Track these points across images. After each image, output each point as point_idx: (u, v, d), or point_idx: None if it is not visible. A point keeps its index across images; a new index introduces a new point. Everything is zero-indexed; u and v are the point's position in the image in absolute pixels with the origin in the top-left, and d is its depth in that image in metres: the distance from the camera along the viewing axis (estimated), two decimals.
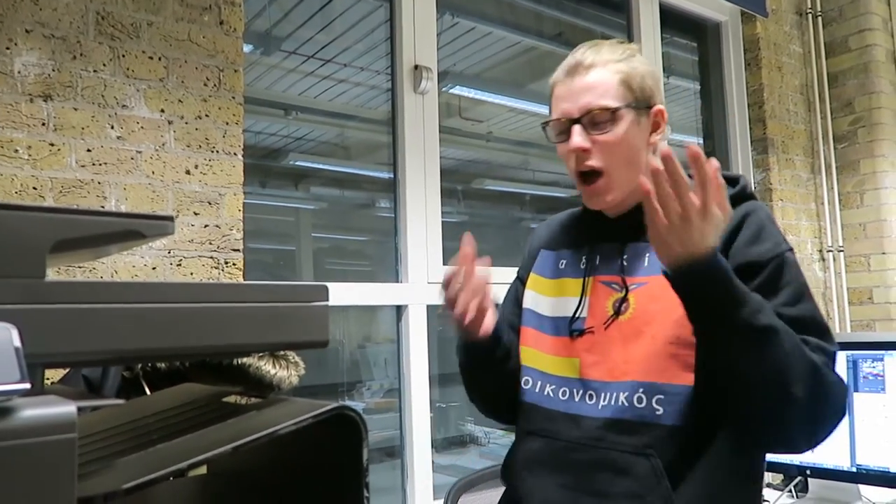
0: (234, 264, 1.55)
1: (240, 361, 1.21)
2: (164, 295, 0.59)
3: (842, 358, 1.92)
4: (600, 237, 1.05)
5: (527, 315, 1.12)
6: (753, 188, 2.99)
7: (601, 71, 0.99)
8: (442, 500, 1.76)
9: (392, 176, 2.10)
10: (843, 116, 3.13)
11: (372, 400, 2.18)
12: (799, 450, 0.92)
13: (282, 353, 1.25)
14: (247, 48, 1.92)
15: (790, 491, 2.17)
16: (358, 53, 2.14)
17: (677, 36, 3.08)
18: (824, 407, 0.87)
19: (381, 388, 2.17)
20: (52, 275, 0.57)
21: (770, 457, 2.00)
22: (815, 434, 0.89)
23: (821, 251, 3.08)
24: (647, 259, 0.99)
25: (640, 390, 0.92)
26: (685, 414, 0.91)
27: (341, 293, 1.89)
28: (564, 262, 1.10)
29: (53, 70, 1.39)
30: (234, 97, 1.60)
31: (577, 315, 1.03)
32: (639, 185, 0.98)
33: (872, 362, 1.87)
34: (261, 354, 1.22)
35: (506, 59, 2.59)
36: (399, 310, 2.03)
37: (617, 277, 1.00)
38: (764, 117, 2.96)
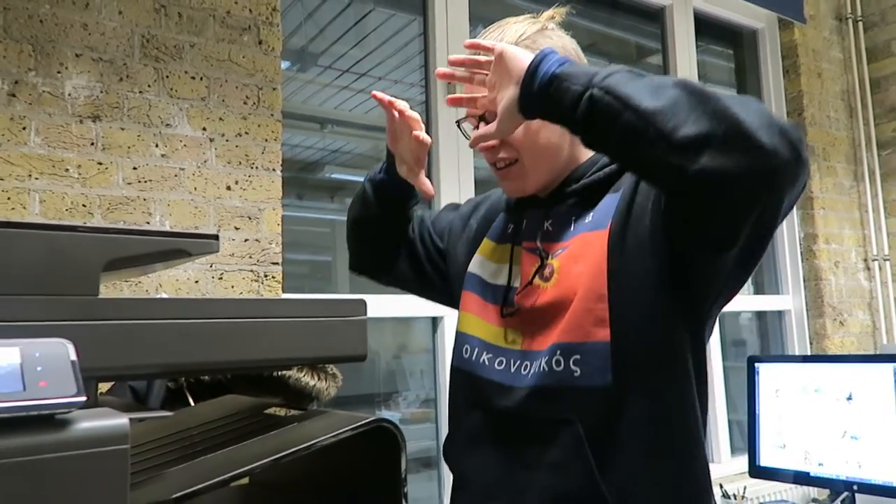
0: (273, 277, 1.58)
1: (280, 373, 1.23)
2: (210, 311, 0.61)
3: (888, 370, 1.87)
4: (531, 204, 0.99)
5: (471, 280, 1.03)
6: None
7: None
8: None
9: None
10: (886, 122, 3.05)
11: (408, 410, 2.19)
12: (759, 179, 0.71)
13: (321, 365, 1.27)
14: (284, 64, 1.97)
15: None
16: (392, 67, 2.17)
17: (713, 44, 3.05)
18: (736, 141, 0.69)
19: (416, 399, 2.18)
20: (102, 291, 0.59)
21: (816, 471, 1.96)
22: (737, 171, 0.70)
23: (866, 260, 3.01)
24: (571, 223, 0.93)
25: (558, 352, 0.86)
26: (602, 372, 0.84)
27: (378, 305, 1.91)
28: (497, 226, 1.05)
29: (101, 92, 1.44)
30: (272, 114, 1.64)
31: (510, 284, 0.97)
32: (565, 165, 0.95)
33: None
34: (300, 367, 1.25)
35: None
36: (434, 321, 2.04)
37: (543, 244, 0.94)
38: (804, 125, 2.91)
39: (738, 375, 2.64)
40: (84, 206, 1.40)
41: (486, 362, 0.96)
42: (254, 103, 1.62)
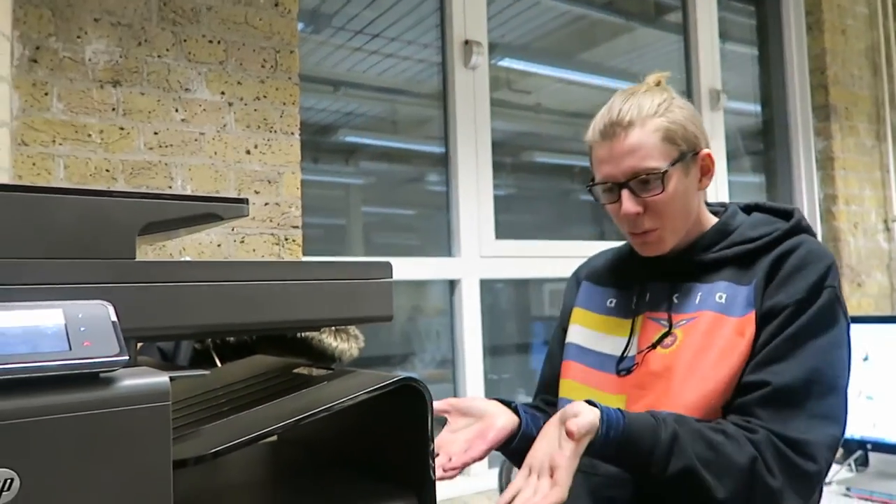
0: (293, 241, 1.60)
1: (303, 335, 1.26)
2: (242, 273, 0.63)
3: None
4: (651, 276, 1.04)
5: (570, 350, 1.09)
6: (815, 157, 2.90)
7: (640, 131, 0.95)
8: (497, 469, 1.80)
9: (444, 151, 2.11)
10: None
11: (425, 371, 2.22)
12: None
13: (343, 326, 1.29)
14: (298, 26, 1.95)
15: (850, 464, 2.14)
16: (407, 28, 2.14)
17: (735, 0, 2.98)
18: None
19: (433, 360, 2.21)
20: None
21: None
22: None
23: (885, 221, 2.98)
24: (697, 297, 0.98)
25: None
26: None
27: (396, 268, 1.93)
28: (614, 301, 1.08)
29: (121, 57, 1.45)
30: (290, 77, 1.64)
31: (625, 354, 1.01)
32: (693, 227, 1.01)
33: None
34: (322, 329, 1.27)
35: (554, 28, 2.56)
36: (452, 284, 2.06)
37: (664, 314, 0.99)
38: (826, 83, 2.85)
39: None
40: (107, 171, 1.42)
41: None
42: (271, 66, 1.62)
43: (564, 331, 1.14)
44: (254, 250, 1.55)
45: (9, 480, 0.46)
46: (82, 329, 0.52)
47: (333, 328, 1.28)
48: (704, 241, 1.01)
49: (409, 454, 0.69)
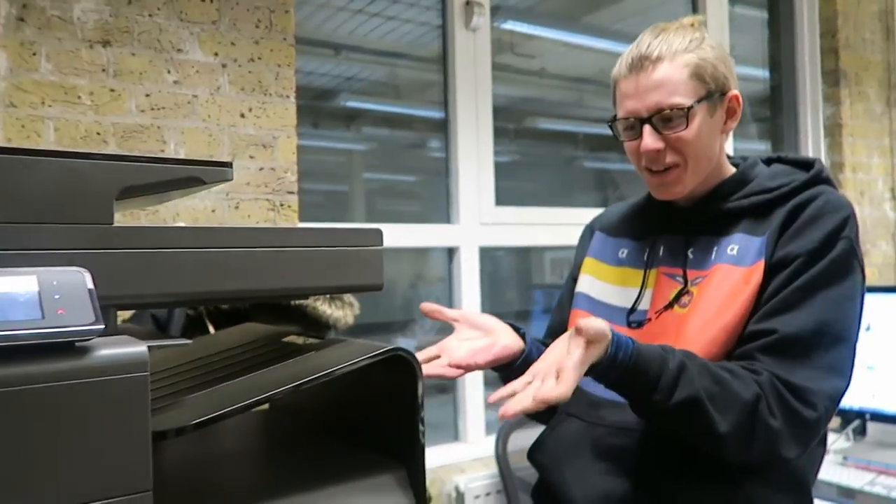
0: (289, 206, 1.58)
1: (298, 302, 1.24)
2: (226, 239, 0.61)
3: None
4: (665, 228, 1.02)
5: (580, 299, 1.08)
6: (823, 123, 2.85)
7: (669, 65, 0.92)
8: (494, 436, 1.81)
9: (444, 116, 2.07)
10: None
11: (425, 338, 2.22)
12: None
13: (338, 294, 1.27)
14: None
15: (848, 434, 2.14)
16: None
17: None
18: (752, 445, 0.84)
19: (433, 327, 2.21)
20: (118, 220, 0.59)
21: None
22: (747, 459, 0.87)
23: (892, 189, 2.93)
24: (713, 252, 0.96)
25: None
26: None
27: (394, 235, 1.91)
28: (626, 251, 1.06)
29: (110, 16, 1.41)
30: (285, 38, 1.60)
31: (636, 307, 1.00)
32: (712, 173, 0.98)
33: None
34: (317, 297, 1.26)
35: None
36: (451, 251, 2.04)
37: (679, 270, 0.98)
38: (837, 47, 2.79)
39: None
40: (98, 133, 1.39)
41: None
42: (266, 27, 1.58)
43: (575, 279, 1.13)
44: (249, 216, 1.53)
45: None
46: (57, 296, 0.50)
47: (327, 296, 1.26)
48: (722, 190, 0.99)
49: (399, 424, 0.68)
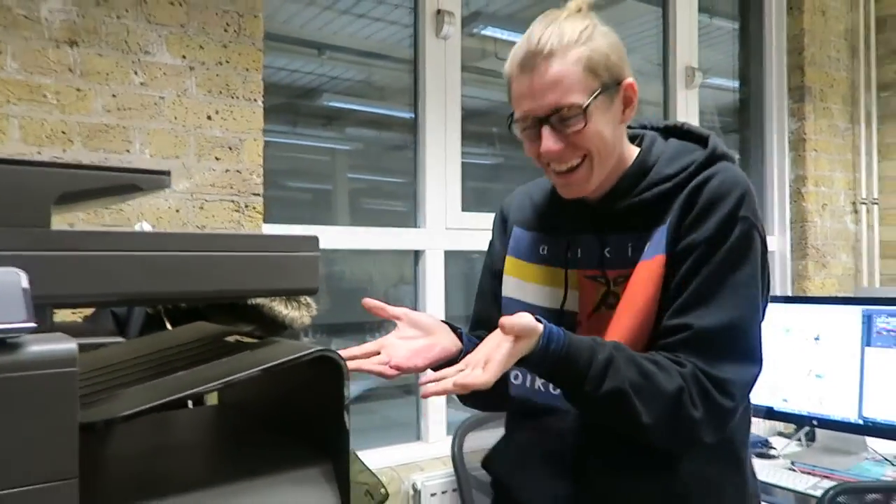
0: (254, 208, 1.61)
1: (254, 302, 1.27)
2: (161, 243, 0.64)
3: (857, 312, 1.91)
4: (579, 227, 1.02)
5: (509, 304, 1.07)
6: (787, 138, 2.92)
7: (561, 61, 0.91)
8: (452, 436, 1.85)
9: (413, 118, 2.11)
10: (889, 64, 3.00)
11: None
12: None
13: (273, 296, 1.31)
14: None
15: (799, 439, 2.21)
16: None
17: None
18: (674, 434, 0.89)
19: None
20: (80, 220, 0.62)
21: (780, 406, 2.04)
22: (669, 446, 0.92)
23: (854, 203, 3.02)
24: (629, 249, 0.97)
25: None
26: None
27: (360, 238, 1.95)
28: (546, 247, 1.06)
29: (78, 16, 1.43)
30: (253, 43, 1.63)
31: (563, 308, 1.01)
32: (615, 165, 0.98)
33: (887, 318, 1.86)
34: (272, 297, 1.29)
35: (534, 1, 2.54)
36: (416, 254, 2.08)
37: (598, 271, 0.99)
38: (803, 64, 2.86)
39: None
40: (63, 132, 1.42)
41: (541, 387, 1.02)
42: (234, 31, 1.61)
43: (496, 276, 1.12)
44: (213, 216, 1.56)
45: None
46: None
47: (284, 297, 1.30)
48: (626, 183, 0.98)
49: (327, 420, 0.71)
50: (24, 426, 0.51)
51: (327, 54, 2.10)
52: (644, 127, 1.07)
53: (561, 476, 0.99)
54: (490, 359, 0.81)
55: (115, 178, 0.64)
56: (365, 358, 0.92)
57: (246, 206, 1.60)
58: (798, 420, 2.08)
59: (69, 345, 0.54)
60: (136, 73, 1.49)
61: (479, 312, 1.16)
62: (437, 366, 0.99)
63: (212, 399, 1.19)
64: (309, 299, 1.35)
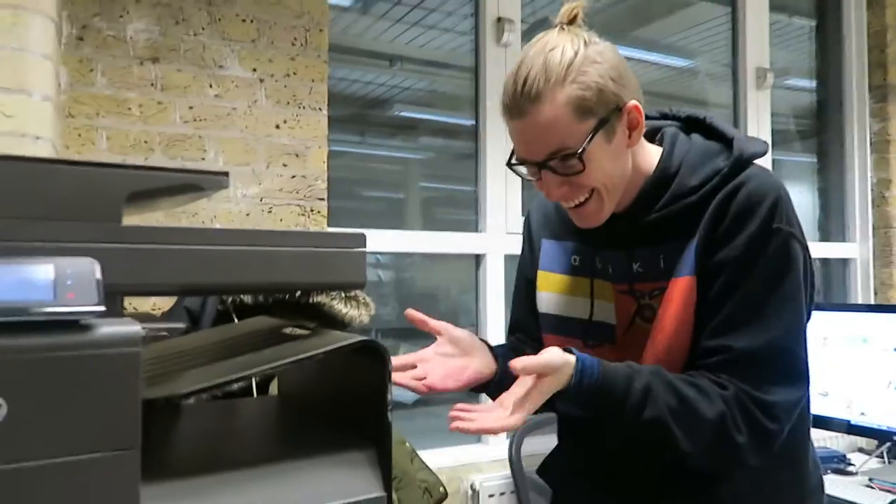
0: (318, 212, 1.68)
1: (315, 300, 1.34)
2: (219, 239, 0.70)
3: None
4: (604, 243, 0.98)
5: (547, 322, 1.05)
6: (869, 139, 2.79)
7: (550, 106, 0.84)
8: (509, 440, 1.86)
9: (474, 125, 2.15)
10: None
11: None
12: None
13: (353, 294, 1.37)
14: (348, 1, 2.02)
15: (881, 455, 2.10)
16: (458, 4, 2.17)
17: None
18: (718, 461, 0.87)
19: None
20: (157, 221, 0.69)
21: (857, 420, 1.95)
22: (710, 470, 0.90)
23: None
24: (661, 261, 0.93)
25: None
26: None
27: (423, 241, 1.99)
28: (578, 258, 1.02)
29: (160, 35, 1.55)
30: (319, 55, 1.71)
31: (592, 318, 0.99)
32: (634, 176, 0.93)
33: None
34: (333, 295, 1.35)
35: (607, 5, 2.54)
36: (477, 259, 2.11)
37: (627, 286, 0.96)
38: (885, 61, 2.73)
39: None
40: (145, 142, 1.53)
41: None
42: (301, 44, 1.69)
43: (528, 282, 1.10)
44: (281, 220, 1.64)
45: None
46: (69, 282, 0.60)
47: (343, 295, 1.36)
48: (647, 196, 0.94)
49: (372, 410, 0.75)
50: (92, 399, 0.57)
51: (398, 65, 2.16)
52: (665, 116, 1.02)
53: (608, 490, 1.00)
54: (520, 401, 0.83)
55: (179, 178, 0.70)
56: (402, 370, 0.93)
57: (311, 210, 1.67)
58: (880, 435, 1.98)
59: (134, 327, 0.60)
60: (210, 86, 1.59)
61: (516, 316, 1.16)
62: (472, 388, 1.00)
63: (274, 390, 1.26)
64: (368, 299, 1.40)
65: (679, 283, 0.91)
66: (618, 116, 0.88)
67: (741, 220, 0.88)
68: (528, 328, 1.11)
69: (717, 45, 2.74)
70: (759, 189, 0.88)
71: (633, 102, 0.88)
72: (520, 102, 0.86)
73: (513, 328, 1.17)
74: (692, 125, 0.99)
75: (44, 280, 0.60)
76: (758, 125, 2.63)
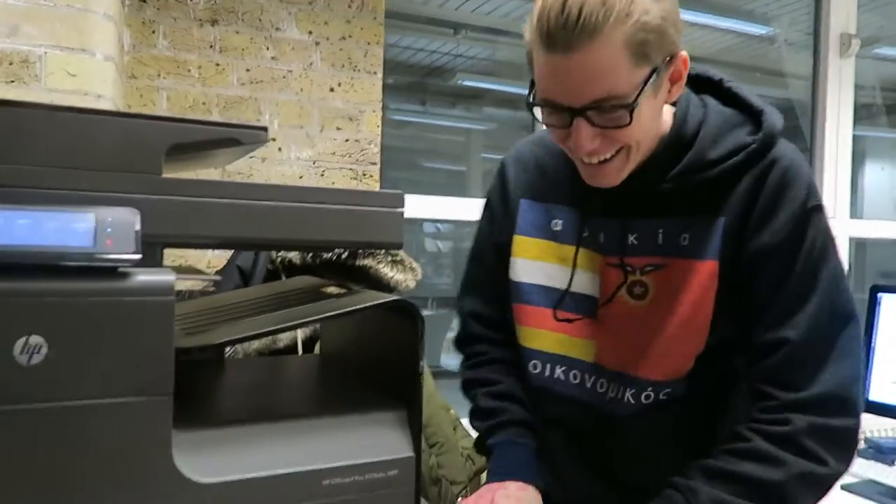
0: (370, 176, 1.68)
1: (361, 263, 1.34)
2: (256, 194, 0.70)
3: None
4: (599, 206, 0.88)
5: (520, 290, 0.95)
6: None
7: (604, 46, 0.71)
8: None
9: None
10: None
11: None
12: None
13: (399, 258, 1.37)
14: None
15: None
16: None
17: None
18: (818, 493, 0.82)
19: None
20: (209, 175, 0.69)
21: None
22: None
23: None
24: (659, 236, 0.85)
25: (649, 389, 0.87)
26: (685, 399, 0.87)
27: (460, 208, 1.96)
28: (560, 223, 0.92)
29: None
30: (375, 18, 1.69)
31: (569, 290, 0.91)
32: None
33: None
34: (380, 258, 1.35)
35: None
36: None
37: (632, 259, 0.87)
38: None
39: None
40: (204, 103, 1.56)
41: (561, 376, 0.94)
42: (358, 7, 1.68)
43: (500, 245, 0.98)
44: (333, 183, 1.65)
45: (39, 346, 0.57)
46: (108, 230, 0.61)
47: (390, 259, 1.36)
48: (658, 163, 0.83)
49: (405, 372, 0.75)
50: (127, 346, 0.59)
51: (463, 33, 2.13)
52: None
53: (589, 477, 0.95)
54: None
55: (218, 132, 0.70)
56: None
57: (363, 174, 1.67)
58: None
59: (168, 277, 0.61)
60: (267, 48, 1.60)
61: (477, 279, 1.04)
62: None
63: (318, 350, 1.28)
64: (415, 264, 1.39)
65: (699, 267, 0.83)
66: (668, 67, 0.78)
67: (778, 201, 0.81)
68: (493, 301, 1.00)
69: (798, 11, 2.58)
70: (792, 167, 0.81)
71: (683, 53, 0.79)
72: (568, 34, 0.71)
73: (467, 286, 1.05)
74: (702, 86, 0.89)
75: (84, 228, 0.61)
76: (839, 97, 2.47)
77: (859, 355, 0.83)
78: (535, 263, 0.94)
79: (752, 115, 0.85)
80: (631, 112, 0.75)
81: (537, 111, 0.80)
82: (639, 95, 0.74)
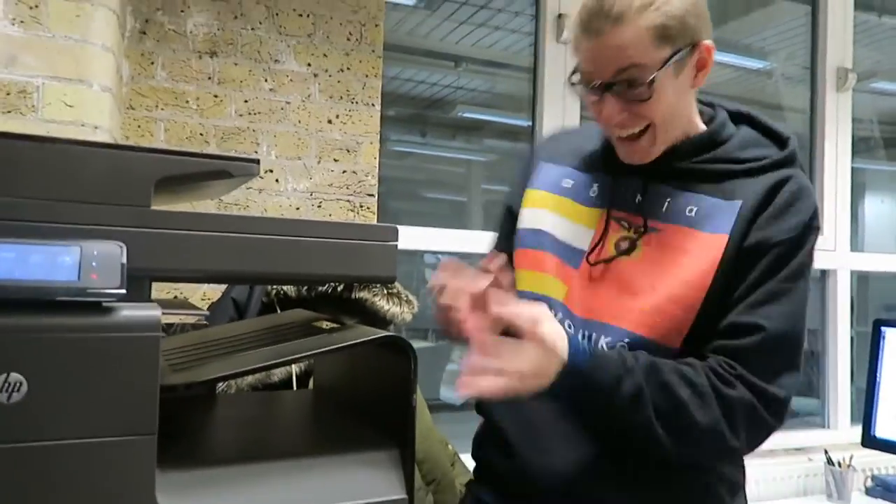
0: (367, 208, 1.67)
1: (357, 296, 1.33)
2: (247, 226, 0.69)
3: None
4: (620, 168, 0.95)
5: (526, 236, 0.99)
6: None
7: (631, 28, 0.83)
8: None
9: (530, 126, 2.11)
10: None
11: None
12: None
13: (395, 290, 1.35)
14: (410, 0, 2.01)
15: None
16: (525, 4, 2.13)
17: None
18: (700, 458, 0.87)
19: None
20: (198, 208, 0.68)
21: None
22: (691, 464, 0.88)
23: None
24: (666, 204, 0.91)
25: (626, 340, 0.87)
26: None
27: (483, 241, 1.95)
28: (571, 182, 0.99)
29: (218, 29, 1.57)
30: (373, 51, 1.70)
31: (570, 244, 0.95)
32: (681, 131, 0.92)
33: None
34: (375, 291, 1.34)
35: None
36: None
37: (632, 216, 0.93)
38: None
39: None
40: (201, 134, 1.55)
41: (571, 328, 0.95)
42: (356, 40, 1.69)
43: (512, 213, 1.04)
44: (330, 215, 1.64)
45: (18, 383, 0.55)
46: (94, 264, 0.60)
47: (385, 292, 1.34)
48: (688, 147, 0.93)
49: (398, 409, 0.73)
50: (111, 383, 0.57)
51: (463, 66, 2.14)
52: (711, 105, 1.00)
53: (551, 454, 0.92)
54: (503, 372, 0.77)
55: (208, 164, 0.69)
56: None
57: (360, 206, 1.67)
58: None
59: (154, 312, 0.60)
60: (265, 80, 1.60)
61: (491, 248, 1.09)
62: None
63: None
64: (411, 296, 1.38)
65: (703, 237, 0.88)
66: (691, 52, 0.88)
67: (790, 207, 0.88)
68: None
69: (795, 45, 2.61)
70: (806, 188, 0.91)
71: (708, 42, 0.89)
72: (599, 20, 0.84)
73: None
74: (739, 119, 0.99)
75: (69, 261, 0.60)
76: (837, 129, 2.48)
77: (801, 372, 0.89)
78: (545, 213, 1.00)
79: (780, 141, 0.95)
80: (650, 87, 0.85)
81: (579, 89, 0.91)
82: (658, 72, 0.84)
